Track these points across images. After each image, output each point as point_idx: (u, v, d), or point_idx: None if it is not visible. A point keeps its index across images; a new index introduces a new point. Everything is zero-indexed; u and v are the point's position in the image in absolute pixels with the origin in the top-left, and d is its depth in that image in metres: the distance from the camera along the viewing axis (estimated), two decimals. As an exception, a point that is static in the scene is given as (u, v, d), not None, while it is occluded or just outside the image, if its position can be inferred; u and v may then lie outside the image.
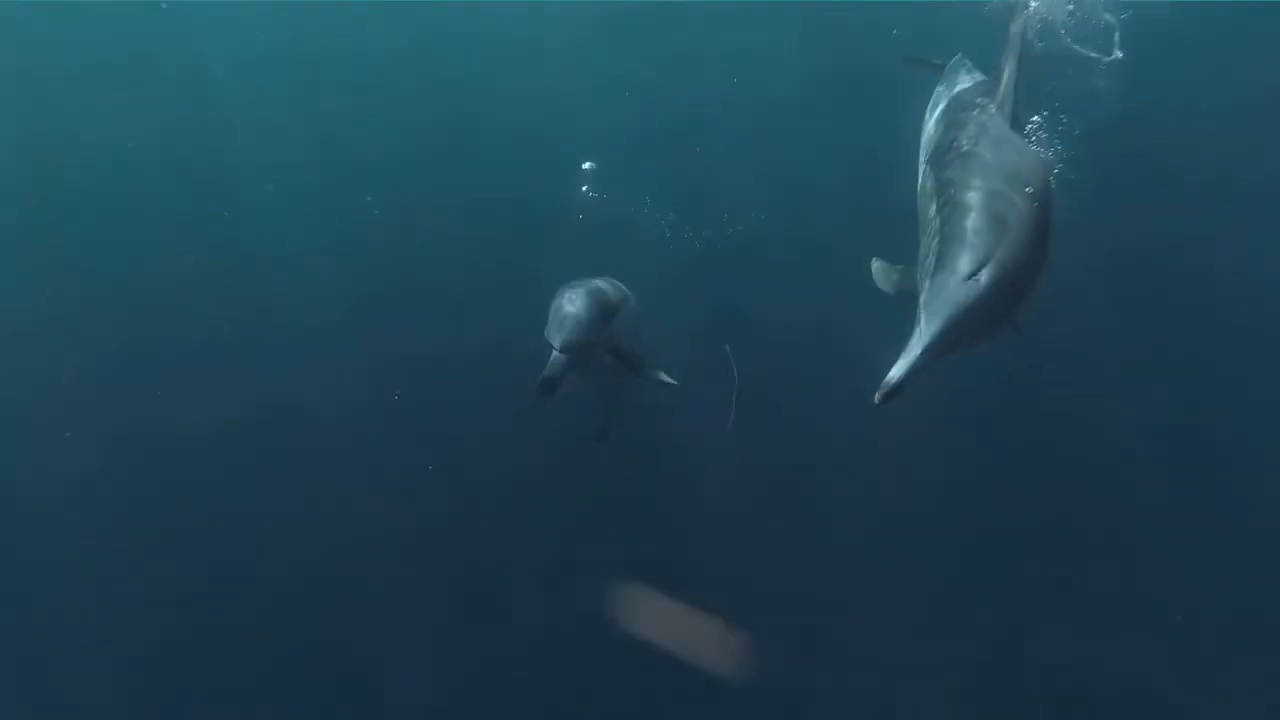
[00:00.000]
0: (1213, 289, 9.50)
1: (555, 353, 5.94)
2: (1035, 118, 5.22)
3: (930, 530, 9.15)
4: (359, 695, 9.01)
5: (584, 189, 10.04)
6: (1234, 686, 7.84)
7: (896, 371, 3.89)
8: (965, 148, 4.74)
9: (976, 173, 4.48)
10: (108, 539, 9.51)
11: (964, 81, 5.79)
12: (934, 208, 4.53)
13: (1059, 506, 9.16)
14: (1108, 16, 6.26)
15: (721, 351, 7.47)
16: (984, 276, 3.98)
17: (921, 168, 5.17)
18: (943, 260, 4.11)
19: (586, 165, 10.07)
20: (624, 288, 7.02)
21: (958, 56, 6.22)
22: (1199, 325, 9.68)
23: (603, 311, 6.23)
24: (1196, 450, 9.15)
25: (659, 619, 8.71)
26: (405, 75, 12.46)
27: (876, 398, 3.89)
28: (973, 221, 4.18)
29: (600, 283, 6.56)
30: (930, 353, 3.90)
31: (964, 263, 4.03)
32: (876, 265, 4.99)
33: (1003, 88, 4.93)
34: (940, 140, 5.08)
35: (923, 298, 4.08)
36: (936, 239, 4.28)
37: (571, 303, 6.15)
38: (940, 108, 5.62)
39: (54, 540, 9.56)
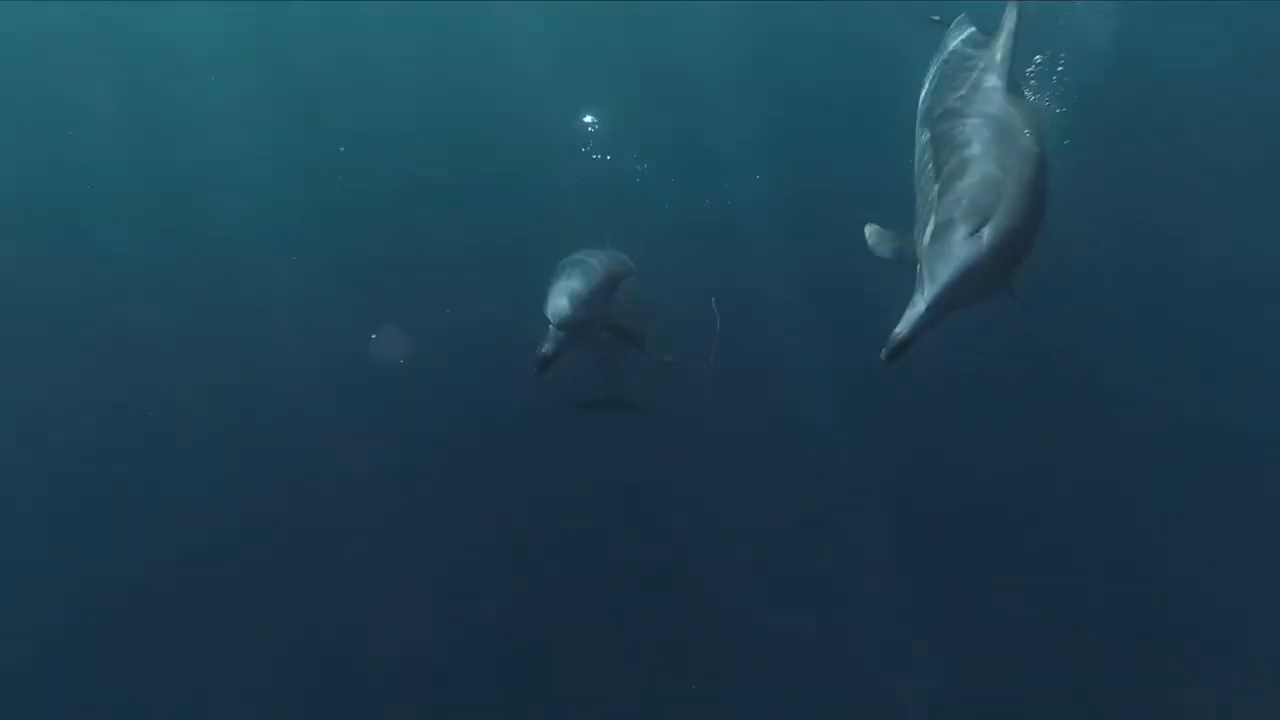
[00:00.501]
0: (1211, 250, 9.37)
1: (552, 329, 5.91)
2: (1036, 57, 5.16)
3: (926, 506, 9.13)
4: (359, 691, 9.04)
5: (584, 149, 9.99)
6: (1234, 686, 7.81)
7: (903, 327, 3.97)
8: (964, 106, 4.70)
9: (975, 129, 4.45)
10: (104, 535, 9.52)
11: (964, 41, 5.72)
12: (933, 166, 4.50)
13: (1056, 490, 9.12)
14: None
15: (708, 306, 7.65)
16: (986, 233, 3.97)
17: (920, 127, 5.12)
18: (944, 217, 4.09)
19: (588, 119, 10.00)
20: (627, 260, 6.94)
21: (960, 17, 6.15)
22: (1196, 287, 9.58)
23: (601, 288, 6.18)
24: (1197, 428, 9.06)
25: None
26: (402, 54, 12.38)
27: (884, 354, 3.97)
28: (973, 178, 4.16)
29: (601, 256, 6.49)
30: (935, 309, 3.96)
31: (966, 219, 4.01)
32: (871, 230, 4.94)
33: (1002, 46, 4.88)
34: (939, 99, 5.03)
35: (924, 255, 4.08)
36: (936, 197, 4.26)
37: (569, 279, 6.10)
38: (940, 67, 5.55)
39: (43, 539, 9.58)
